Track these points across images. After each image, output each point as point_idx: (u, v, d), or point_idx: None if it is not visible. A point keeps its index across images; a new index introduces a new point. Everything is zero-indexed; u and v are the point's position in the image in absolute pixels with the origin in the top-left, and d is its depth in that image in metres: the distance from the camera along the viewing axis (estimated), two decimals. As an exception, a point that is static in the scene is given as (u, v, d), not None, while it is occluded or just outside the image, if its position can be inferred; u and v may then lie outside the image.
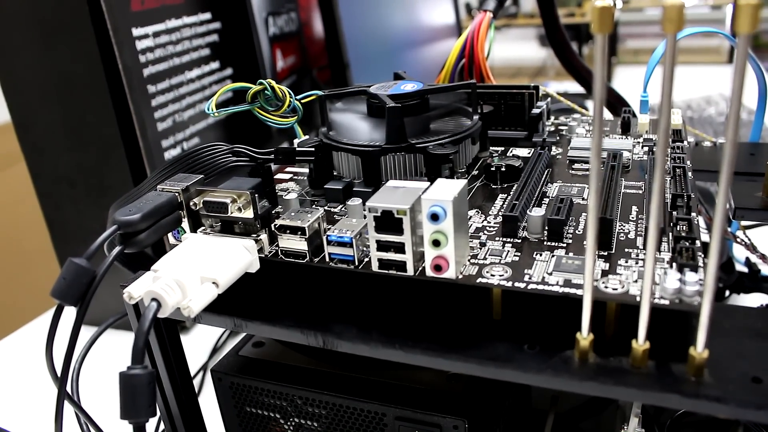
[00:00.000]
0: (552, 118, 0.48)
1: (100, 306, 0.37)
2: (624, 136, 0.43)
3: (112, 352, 0.48)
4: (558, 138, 0.44)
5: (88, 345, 0.46)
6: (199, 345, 0.58)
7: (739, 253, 0.56)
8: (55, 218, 0.57)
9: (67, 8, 0.48)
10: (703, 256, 0.27)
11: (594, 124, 0.22)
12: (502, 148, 0.42)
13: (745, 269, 0.55)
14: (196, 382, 0.53)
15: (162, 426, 0.37)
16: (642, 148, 0.41)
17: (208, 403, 0.39)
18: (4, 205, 1.18)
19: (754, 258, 0.52)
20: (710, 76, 1.32)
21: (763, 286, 0.53)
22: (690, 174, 0.35)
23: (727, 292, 0.55)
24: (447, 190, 0.26)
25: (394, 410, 0.32)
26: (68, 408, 0.30)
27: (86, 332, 0.39)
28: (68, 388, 0.31)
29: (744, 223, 0.50)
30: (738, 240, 0.48)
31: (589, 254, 0.23)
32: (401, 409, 0.32)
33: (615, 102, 0.56)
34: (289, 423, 0.36)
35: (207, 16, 0.60)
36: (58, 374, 0.29)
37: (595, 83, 0.21)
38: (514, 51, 1.49)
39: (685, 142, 0.40)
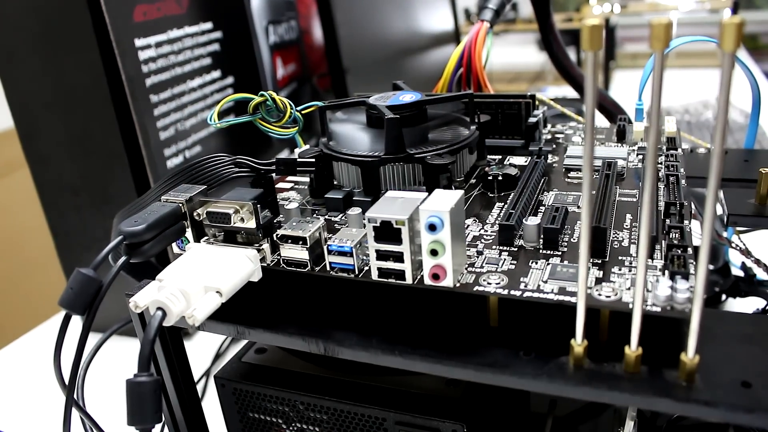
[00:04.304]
0: (549, 125, 0.49)
1: (103, 312, 0.37)
2: (619, 144, 0.44)
3: (116, 358, 0.49)
4: (554, 146, 0.44)
5: (93, 351, 0.47)
6: (202, 351, 0.59)
7: (735, 257, 0.57)
8: (59, 227, 0.58)
9: (71, 20, 0.49)
10: (695, 263, 0.28)
11: (585, 137, 0.22)
12: (500, 157, 0.43)
13: (741, 273, 0.56)
14: (199, 387, 0.54)
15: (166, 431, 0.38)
16: (637, 155, 0.41)
17: (212, 408, 0.39)
18: (7, 211, 1.19)
19: (749, 262, 0.52)
20: (708, 79, 1.32)
21: (759, 290, 0.54)
22: (683, 182, 0.36)
23: (724, 296, 0.56)
24: (444, 200, 0.27)
25: (394, 415, 0.33)
26: (74, 414, 0.31)
27: (90, 338, 0.40)
28: (74, 395, 0.32)
29: (739, 228, 0.50)
30: (733, 245, 0.48)
31: (582, 264, 0.24)
32: (401, 414, 0.33)
33: (611, 109, 0.56)
34: (291, 428, 0.37)
35: (208, 25, 0.60)
36: (66, 382, 0.30)
37: (587, 100, 0.22)
38: (513, 56, 1.50)
39: (680, 150, 0.41)
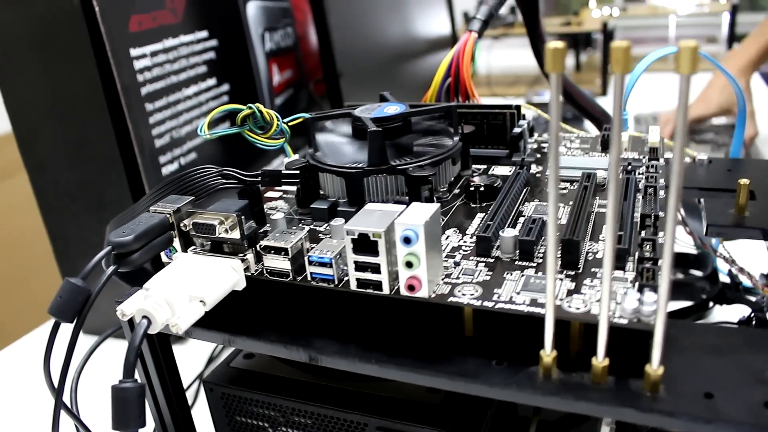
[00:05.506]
0: (536, 134, 0.50)
1: (101, 316, 0.38)
2: (603, 154, 0.45)
3: (113, 361, 0.50)
4: (539, 156, 0.45)
5: (86, 355, 0.48)
6: (195, 355, 0.60)
7: (723, 264, 0.57)
8: (57, 231, 0.59)
9: (68, 30, 0.50)
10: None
11: (549, 155, 0.23)
12: (485, 166, 0.44)
13: (728, 280, 0.56)
14: (192, 391, 0.55)
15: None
16: (618, 166, 0.42)
17: (204, 411, 0.40)
18: (7, 214, 1.20)
19: (734, 270, 0.53)
20: (704, 83, 1.32)
21: (744, 298, 0.54)
22: (662, 193, 0.37)
23: (711, 304, 0.56)
24: (420, 214, 0.28)
25: (375, 420, 0.34)
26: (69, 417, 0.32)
27: (88, 340, 0.41)
28: (67, 399, 0.33)
29: (723, 236, 0.51)
30: (717, 254, 0.49)
31: (549, 277, 0.25)
32: (381, 420, 0.33)
33: (600, 117, 0.57)
34: (277, 432, 0.38)
35: (204, 34, 0.61)
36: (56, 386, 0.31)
37: (551, 119, 0.23)
38: (512, 59, 1.50)
39: (661, 160, 0.42)
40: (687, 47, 0.21)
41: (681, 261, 0.63)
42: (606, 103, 1.14)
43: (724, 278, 0.57)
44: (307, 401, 0.35)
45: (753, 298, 0.54)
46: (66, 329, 0.30)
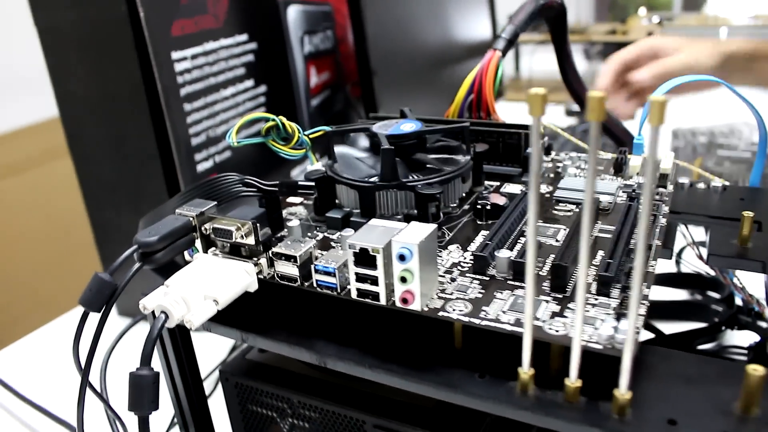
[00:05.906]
0: (553, 153, 0.51)
1: (134, 300, 0.41)
2: (614, 177, 0.46)
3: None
4: (552, 175, 0.46)
5: (118, 337, 0.52)
6: (220, 343, 0.63)
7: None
8: (98, 219, 0.63)
9: (114, 34, 0.53)
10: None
11: (530, 194, 0.25)
12: (498, 183, 0.45)
13: (742, 304, 0.57)
14: (214, 377, 0.58)
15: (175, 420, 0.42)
16: (623, 192, 0.43)
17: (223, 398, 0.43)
18: (52, 195, 1.27)
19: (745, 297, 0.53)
20: (758, 98, 1.30)
21: (755, 323, 0.54)
22: (664, 221, 0.38)
23: (723, 327, 0.57)
24: (416, 233, 0.30)
25: (373, 419, 0.36)
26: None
27: (123, 321, 0.44)
28: (96, 379, 0.36)
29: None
30: (726, 280, 0.50)
31: (528, 299, 0.27)
32: (378, 419, 0.36)
33: (621, 136, 0.58)
34: (284, 422, 0.41)
35: (243, 37, 0.64)
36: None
37: (532, 166, 0.24)
38: (554, 65, 1.49)
39: (670, 187, 0.43)
40: (657, 102, 0.22)
41: (698, 282, 0.63)
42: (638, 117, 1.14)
43: (740, 302, 0.58)
44: (313, 396, 0.38)
45: (764, 325, 0.54)
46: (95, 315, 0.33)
